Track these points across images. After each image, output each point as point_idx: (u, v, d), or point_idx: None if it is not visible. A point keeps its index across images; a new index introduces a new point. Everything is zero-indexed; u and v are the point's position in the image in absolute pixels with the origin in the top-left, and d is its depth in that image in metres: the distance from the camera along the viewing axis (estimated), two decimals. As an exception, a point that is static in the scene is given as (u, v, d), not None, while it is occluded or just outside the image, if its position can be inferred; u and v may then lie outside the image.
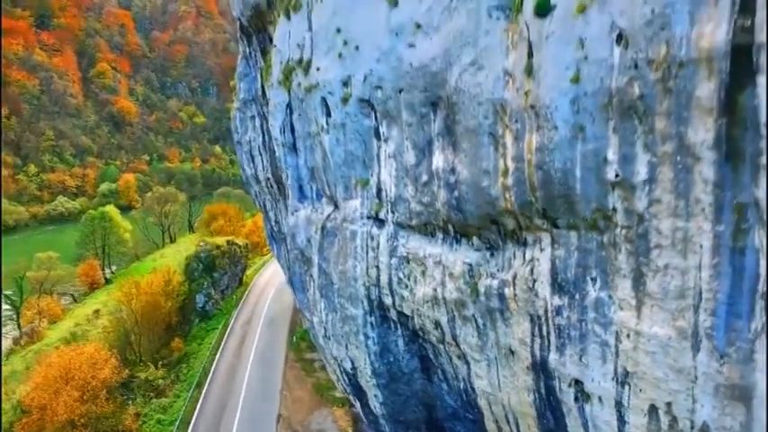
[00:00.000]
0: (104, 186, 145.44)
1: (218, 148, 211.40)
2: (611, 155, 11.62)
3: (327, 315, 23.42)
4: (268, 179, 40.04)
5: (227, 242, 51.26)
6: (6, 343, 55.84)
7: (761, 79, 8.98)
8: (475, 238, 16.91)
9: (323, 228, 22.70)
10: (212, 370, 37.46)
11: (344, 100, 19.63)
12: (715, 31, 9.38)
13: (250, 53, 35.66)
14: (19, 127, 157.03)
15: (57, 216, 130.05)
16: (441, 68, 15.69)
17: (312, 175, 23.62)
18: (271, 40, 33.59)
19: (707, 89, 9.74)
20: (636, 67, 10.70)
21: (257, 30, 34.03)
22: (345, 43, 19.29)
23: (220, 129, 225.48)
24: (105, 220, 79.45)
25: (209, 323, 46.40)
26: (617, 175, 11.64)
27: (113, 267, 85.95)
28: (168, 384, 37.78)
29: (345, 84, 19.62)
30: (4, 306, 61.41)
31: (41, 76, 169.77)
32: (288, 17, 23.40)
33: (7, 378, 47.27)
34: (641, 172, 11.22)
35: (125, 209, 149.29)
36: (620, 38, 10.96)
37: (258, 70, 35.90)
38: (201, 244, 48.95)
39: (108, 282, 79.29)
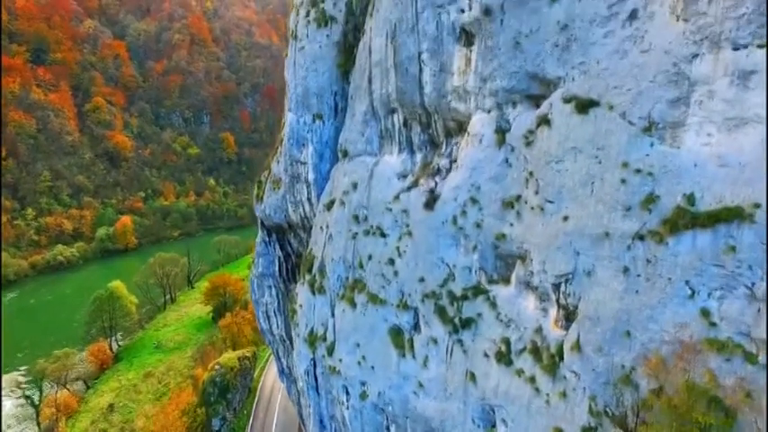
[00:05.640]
0: (102, 231, 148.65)
1: (211, 181, 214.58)
2: None
3: None
4: (281, 336, 45.65)
5: (239, 359, 56.66)
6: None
7: None
8: None
9: (340, 467, 28.35)
10: None
11: (362, 396, 25.34)
12: None
13: (269, 241, 41.11)
14: (17, 169, 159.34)
15: (56, 265, 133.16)
16: (437, 427, 21.53)
17: (331, 421, 29.26)
18: (290, 244, 39.26)
19: None
20: None
21: (277, 233, 39.63)
22: (364, 358, 25.02)
23: (214, 159, 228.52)
24: (113, 298, 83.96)
25: (224, 447, 51.74)
26: None
27: (119, 337, 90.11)
28: None
29: (363, 384, 25.33)
30: (21, 401, 65.82)
31: (38, 115, 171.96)
32: (312, 293, 29.03)
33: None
34: None
35: (122, 252, 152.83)
36: None
37: (276, 256, 41.41)
38: (217, 367, 54.26)
39: (116, 358, 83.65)
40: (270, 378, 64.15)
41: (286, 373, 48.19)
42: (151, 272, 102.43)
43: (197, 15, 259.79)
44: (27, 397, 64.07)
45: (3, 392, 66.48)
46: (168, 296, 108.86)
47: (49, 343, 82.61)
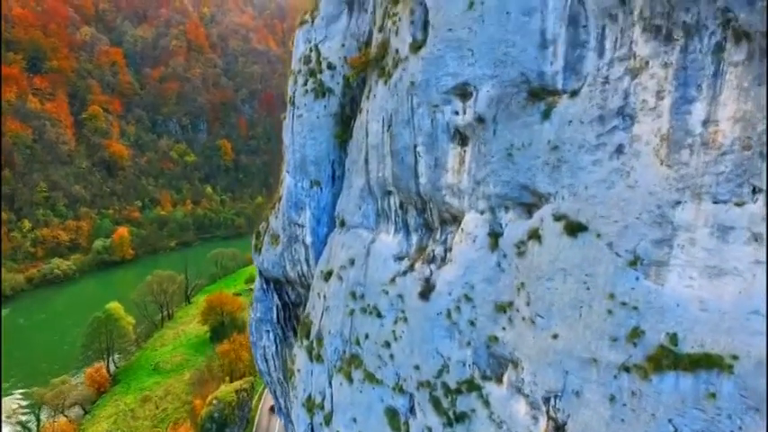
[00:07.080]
0: (98, 243, 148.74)
1: (209, 189, 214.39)
2: None
3: None
4: (279, 378, 46.16)
5: (236, 392, 57.22)
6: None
7: None
8: None
9: None
10: None
11: (358, 469, 25.91)
12: None
13: (267, 289, 41.61)
14: (13, 180, 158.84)
15: (52, 278, 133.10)
16: None
17: (328, 483, 29.80)
18: (288, 295, 39.77)
19: None
20: None
21: (275, 283, 40.14)
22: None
23: (211, 166, 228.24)
24: (110, 321, 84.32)
25: (222, 485, 52.50)
26: None
27: (116, 358, 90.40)
28: None
29: (359, 458, 25.89)
30: (18, 428, 66.07)
31: (34, 125, 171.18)
32: (310, 360, 29.57)
33: None
34: None
35: (119, 264, 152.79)
36: None
37: (274, 304, 41.93)
38: (215, 402, 54.78)
39: (114, 379, 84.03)
40: (267, 407, 64.69)
41: (284, 413, 48.73)
42: (149, 290, 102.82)
43: (194, 21, 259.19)
44: (24, 426, 64.38)
45: (2, 417, 66.77)
46: (165, 312, 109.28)
47: (43, 366, 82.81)
